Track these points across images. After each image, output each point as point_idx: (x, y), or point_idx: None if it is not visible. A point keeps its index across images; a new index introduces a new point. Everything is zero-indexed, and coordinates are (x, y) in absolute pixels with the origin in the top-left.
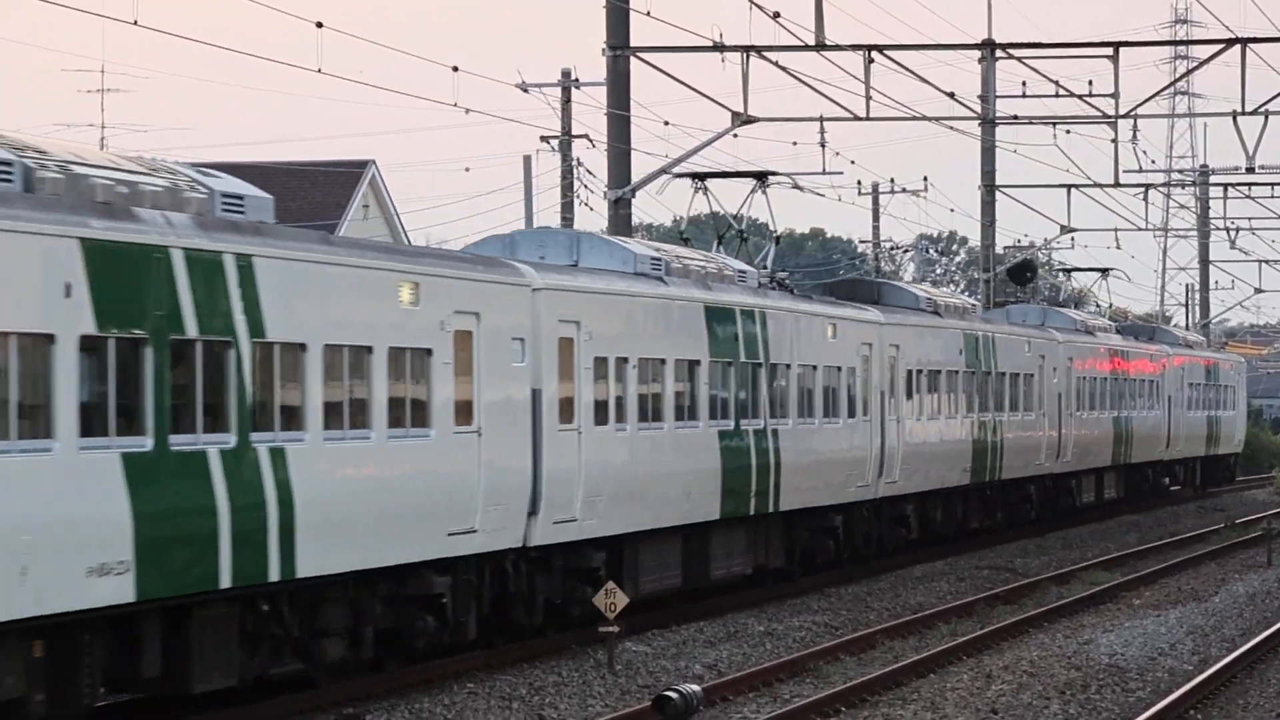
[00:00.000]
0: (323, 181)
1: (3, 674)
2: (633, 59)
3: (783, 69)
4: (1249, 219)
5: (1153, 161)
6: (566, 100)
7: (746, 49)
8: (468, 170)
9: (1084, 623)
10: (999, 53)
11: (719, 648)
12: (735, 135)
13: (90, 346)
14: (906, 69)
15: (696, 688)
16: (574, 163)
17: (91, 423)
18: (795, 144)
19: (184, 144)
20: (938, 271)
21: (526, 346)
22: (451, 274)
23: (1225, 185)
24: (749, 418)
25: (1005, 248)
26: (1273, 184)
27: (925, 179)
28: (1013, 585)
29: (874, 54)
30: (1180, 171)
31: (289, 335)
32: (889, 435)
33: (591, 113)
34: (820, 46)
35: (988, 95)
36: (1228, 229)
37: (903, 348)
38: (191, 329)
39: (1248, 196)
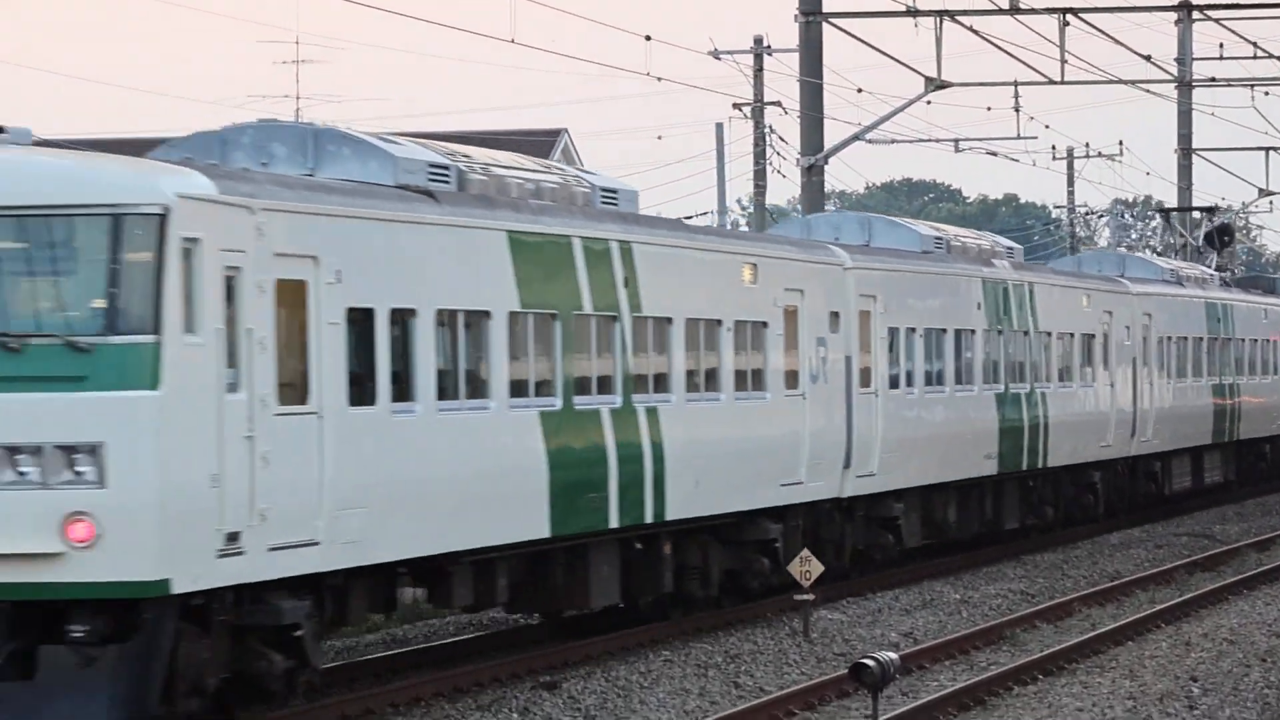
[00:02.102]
0: (515, 150)
1: (463, 587)
2: (825, 25)
3: (976, 33)
4: None
5: None
6: (759, 68)
7: (940, 13)
8: (660, 138)
9: None
10: (1196, 14)
11: (914, 615)
12: (928, 101)
13: (514, 322)
14: (1102, 31)
15: (894, 655)
16: (766, 130)
17: (516, 387)
18: (989, 109)
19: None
20: (1133, 237)
21: (840, 319)
22: (783, 256)
23: None
24: (1018, 382)
25: (1200, 210)
26: None
27: (1120, 143)
28: (1211, 552)
29: (1069, 17)
30: None
31: (658, 311)
32: (1140, 397)
33: (784, 80)
34: (1014, 10)
35: (1184, 57)
36: None
37: (1154, 316)
38: (588, 306)
39: None
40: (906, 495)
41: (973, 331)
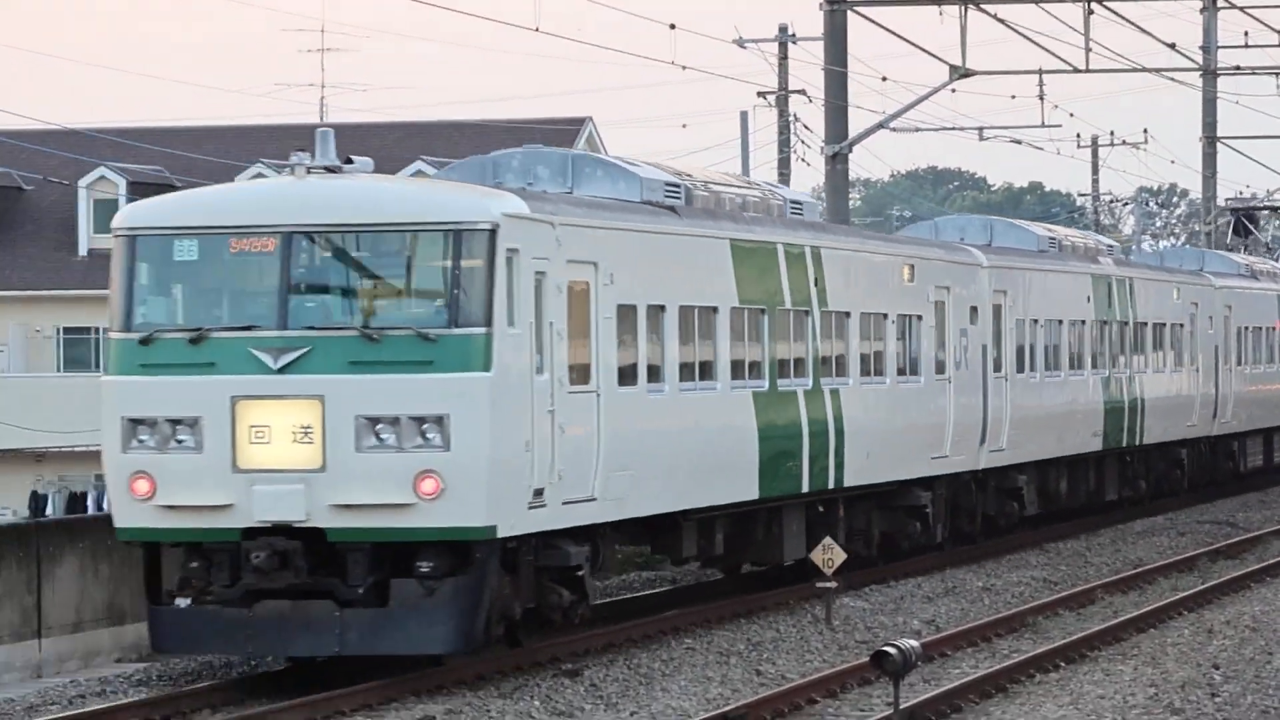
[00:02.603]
0: (540, 139)
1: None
2: (850, 13)
3: (1001, 21)
4: None
5: None
6: (783, 56)
7: (965, 2)
8: (685, 126)
9: None
10: (1221, 2)
11: (936, 603)
12: (953, 90)
13: (734, 315)
14: (1127, 20)
15: (915, 643)
16: (791, 118)
17: (735, 370)
18: (1014, 97)
19: (402, 103)
20: (1158, 224)
21: (978, 313)
22: (934, 258)
23: None
24: (1119, 368)
25: (1226, 199)
26: None
27: (1145, 131)
28: (1234, 540)
29: (1094, 5)
30: None
31: (840, 305)
32: (1221, 382)
33: (808, 68)
34: None
35: (1209, 46)
36: None
37: (1234, 307)
38: (788, 301)
39: None
40: (1028, 468)
41: (1083, 322)
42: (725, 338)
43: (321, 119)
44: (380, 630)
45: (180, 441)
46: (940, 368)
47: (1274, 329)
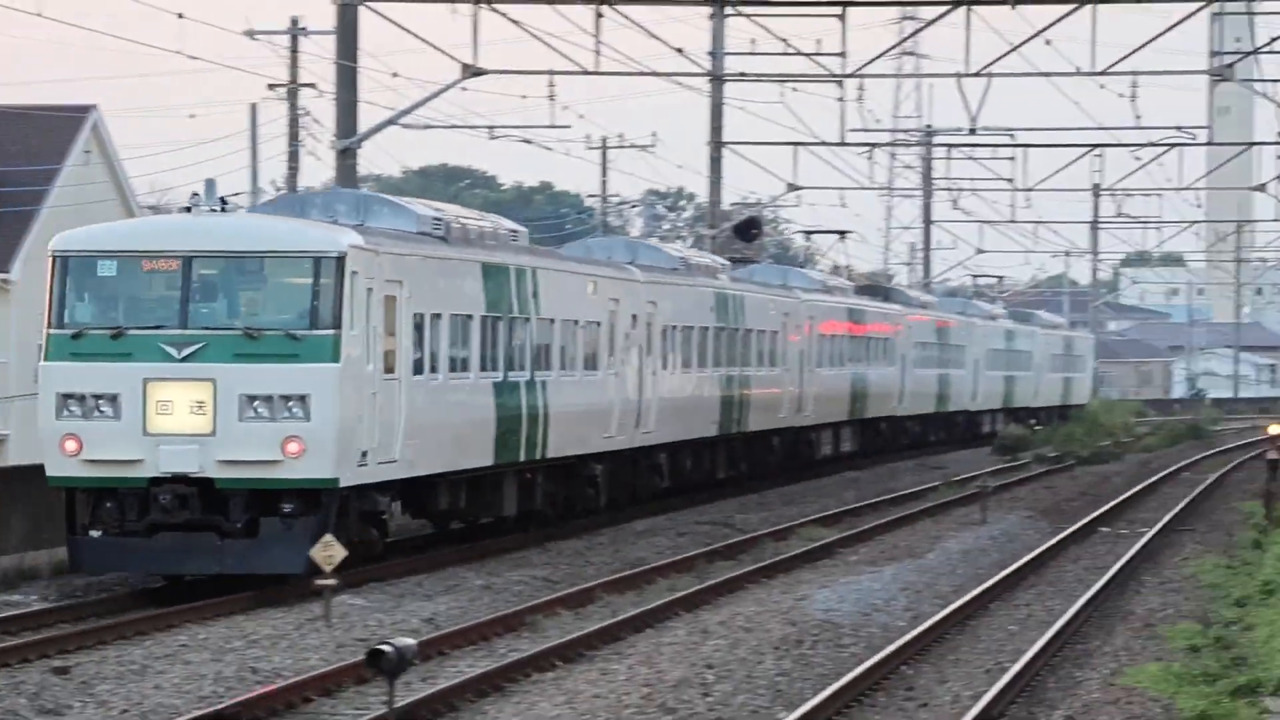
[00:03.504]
0: (43, 126)
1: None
2: (361, 8)
3: (513, 21)
4: (970, 179)
5: (878, 121)
6: (294, 49)
7: (477, 0)
8: (193, 117)
9: (801, 579)
10: (728, 9)
11: (437, 601)
12: (464, 88)
13: (482, 322)
14: (637, 24)
15: (411, 641)
16: (301, 112)
17: (481, 363)
18: (525, 97)
19: None
20: (664, 227)
21: (637, 320)
22: (608, 275)
23: (949, 146)
24: (732, 367)
25: (732, 204)
26: (995, 145)
27: (654, 134)
28: (731, 541)
29: (604, 8)
30: (905, 131)
31: (548, 314)
32: (805, 381)
33: (320, 62)
34: (551, 0)
35: (717, 52)
36: (950, 189)
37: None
38: (515, 311)
39: (970, 158)
40: (667, 448)
41: (707, 328)
42: (476, 339)
43: None
44: (251, 556)
45: (102, 412)
46: (610, 364)
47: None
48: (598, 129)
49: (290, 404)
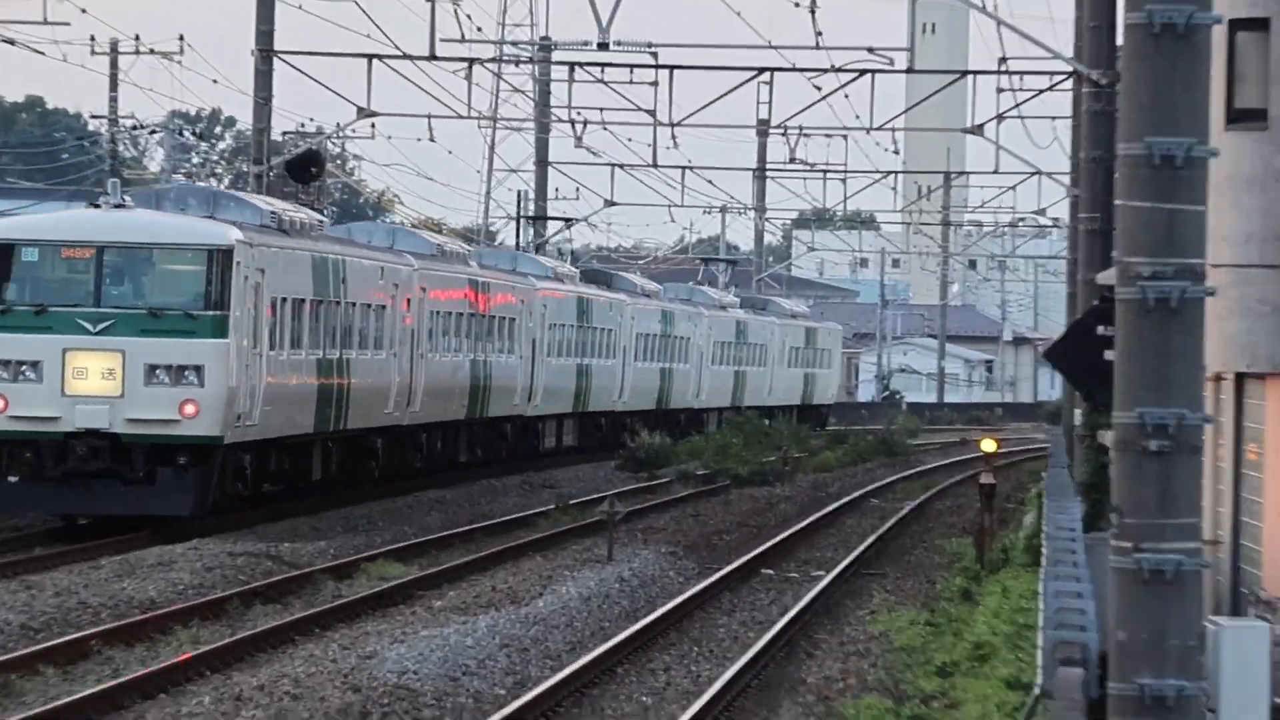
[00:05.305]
0: None
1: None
2: None
3: None
4: (600, 109)
5: (479, 30)
6: None
7: None
8: None
9: (368, 630)
10: None
11: None
12: None
13: (312, 305)
14: None
15: None
16: None
17: (310, 342)
18: None
19: None
20: (194, 161)
21: (411, 304)
22: (390, 263)
23: (571, 65)
24: (477, 353)
25: (285, 134)
26: (632, 65)
27: (182, 38)
28: (277, 578)
29: None
30: (514, 44)
31: (350, 298)
32: (536, 370)
33: None
34: None
35: None
36: (573, 121)
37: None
38: (334, 296)
39: (600, 80)
40: (429, 427)
41: (462, 314)
42: (306, 320)
43: None
44: (149, 500)
45: (26, 376)
46: (392, 344)
47: (304, 303)
48: (106, 28)
49: (186, 372)
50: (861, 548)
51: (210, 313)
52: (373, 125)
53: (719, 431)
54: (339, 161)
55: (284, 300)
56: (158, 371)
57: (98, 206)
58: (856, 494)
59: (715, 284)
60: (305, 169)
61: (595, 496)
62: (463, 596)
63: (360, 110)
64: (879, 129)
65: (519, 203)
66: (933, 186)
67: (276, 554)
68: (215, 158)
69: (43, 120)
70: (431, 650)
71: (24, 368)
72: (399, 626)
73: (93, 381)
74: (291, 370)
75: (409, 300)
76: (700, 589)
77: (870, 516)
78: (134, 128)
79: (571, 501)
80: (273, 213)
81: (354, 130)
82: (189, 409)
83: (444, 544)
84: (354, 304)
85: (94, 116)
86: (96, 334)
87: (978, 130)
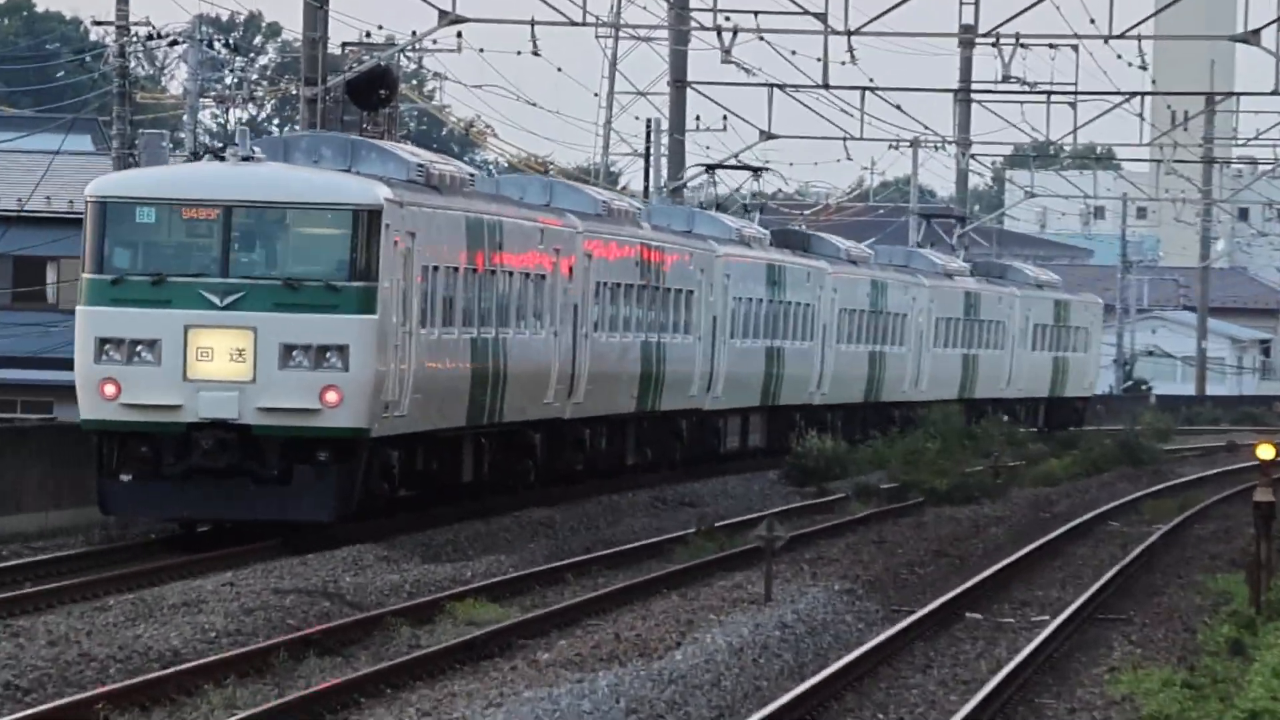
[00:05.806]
0: None
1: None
2: None
3: None
4: (755, 13)
5: None
6: None
7: None
8: None
9: (454, 690)
10: None
11: None
12: None
13: (468, 276)
14: None
15: None
16: None
17: (465, 319)
18: None
19: None
20: (228, 81)
21: (575, 273)
22: (553, 225)
23: None
24: (652, 332)
25: (346, 45)
26: None
27: None
28: (336, 623)
29: None
30: None
31: (507, 267)
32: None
33: None
34: None
35: None
36: (719, 28)
37: (732, 276)
38: (476, 263)
39: None
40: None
41: (633, 285)
42: (460, 292)
43: None
44: (283, 502)
45: (142, 357)
46: (553, 320)
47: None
48: None
49: (328, 354)
50: (1097, 585)
51: (356, 284)
52: (459, 35)
53: (922, 431)
54: (415, 82)
55: (435, 269)
56: (295, 353)
57: (223, 159)
58: (1089, 515)
59: (929, 244)
60: (372, 91)
61: (749, 517)
62: (577, 647)
63: (443, 15)
64: (1119, 37)
65: (647, 135)
66: (1191, 112)
67: (335, 591)
68: (255, 77)
69: (31, 27)
70: (537, 718)
71: (139, 348)
72: (494, 686)
73: (219, 364)
74: (444, 352)
75: (570, 268)
76: (886, 638)
77: (1108, 544)
78: (149, 37)
79: (718, 523)
80: (420, 165)
81: (435, 41)
82: (331, 396)
83: (552, 578)
84: (510, 273)
85: (97, 23)
86: (224, 309)
87: (1252, 38)
